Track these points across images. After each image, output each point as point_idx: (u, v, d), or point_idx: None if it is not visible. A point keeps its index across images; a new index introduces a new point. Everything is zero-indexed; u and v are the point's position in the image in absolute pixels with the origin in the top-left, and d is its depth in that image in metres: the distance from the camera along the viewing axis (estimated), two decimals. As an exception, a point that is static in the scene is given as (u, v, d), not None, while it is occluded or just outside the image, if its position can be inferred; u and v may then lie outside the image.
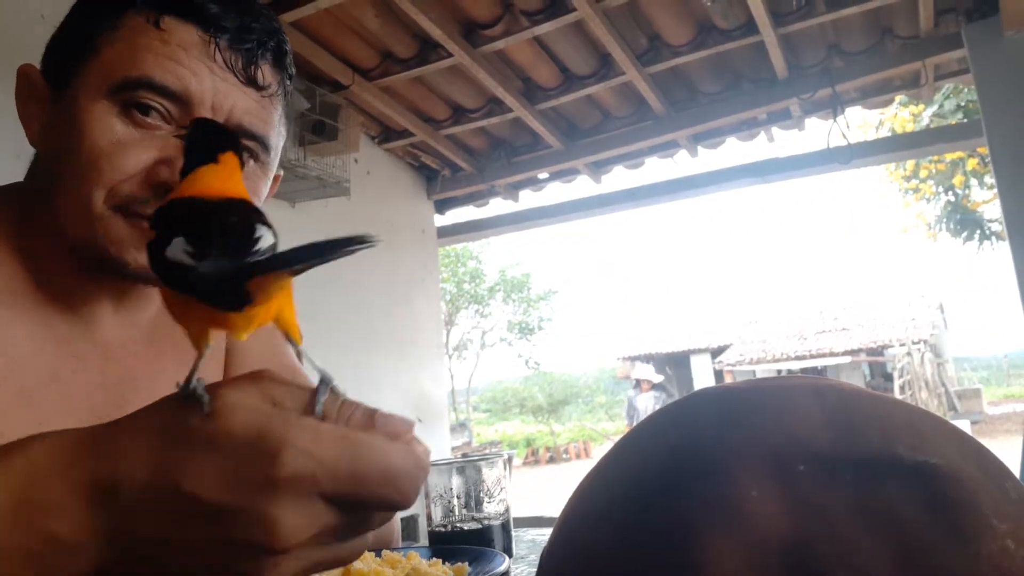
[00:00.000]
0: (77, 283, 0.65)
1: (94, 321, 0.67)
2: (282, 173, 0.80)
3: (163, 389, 0.72)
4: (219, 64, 0.63)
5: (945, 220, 12.21)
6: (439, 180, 4.00)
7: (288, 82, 0.71)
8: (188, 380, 0.38)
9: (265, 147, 0.68)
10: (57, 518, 0.36)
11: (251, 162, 0.68)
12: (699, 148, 3.68)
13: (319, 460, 0.35)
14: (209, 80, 0.62)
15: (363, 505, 0.37)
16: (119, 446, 0.37)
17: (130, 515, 0.36)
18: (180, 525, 0.36)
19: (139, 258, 0.62)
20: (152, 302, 0.73)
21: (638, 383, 9.28)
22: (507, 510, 0.99)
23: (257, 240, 0.41)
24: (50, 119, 0.63)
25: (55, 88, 0.63)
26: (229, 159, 0.48)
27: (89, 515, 0.36)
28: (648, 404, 8.66)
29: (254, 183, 0.68)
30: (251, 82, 0.65)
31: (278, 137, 0.72)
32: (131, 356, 0.71)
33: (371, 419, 0.38)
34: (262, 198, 0.70)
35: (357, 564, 0.65)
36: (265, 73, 0.66)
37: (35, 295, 0.63)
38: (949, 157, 10.96)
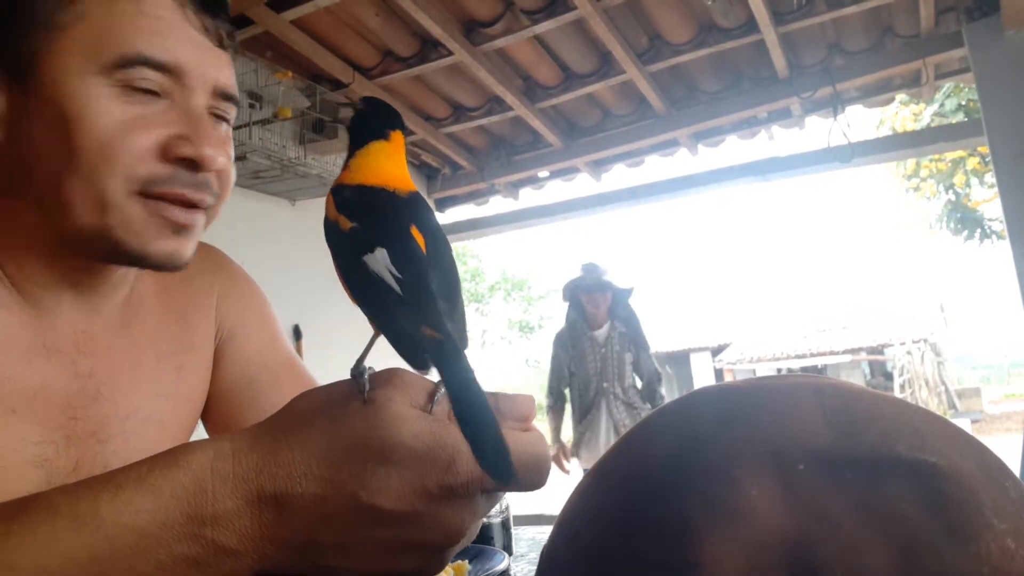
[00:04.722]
0: (45, 280, 0.62)
1: (56, 310, 0.64)
2: None
3: (142, 382, 0.71)
4: (196, 29, 0.60)
5: (946, 219, 12.20)
6: (439, 178, 4.00)
7: (233, 34, 0.69)
8: (359, 368, 0.41)
9: (237, 106, 0.67)
10: (226, 530, 0.38)
11: (224, 125, 0.65)
12: (699, 147, 3.68)
13: None
14: (192, 47, 0.59)
15: (509, 489, 0.42)
16: (285, 460, 0.38)
17: (302, 524, 0.38)
18: (356, 530, 0.38)
19: (160, 246, 0.60)
20: (118, 289, 0.69)
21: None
22: (507, 508, 0.99)
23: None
24: (15, 109, 0.58)
25: (11, 75, 0.58)
26: (397, 137, 0.51)
27: (258, 525, 0.38)
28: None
29: (230, 151, 0.66)
30: (220, 43, 0.63)
31: None
32: (105, 347, 0.68)
33: (499, 409, 0.42)
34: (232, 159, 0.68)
35: None
36: (222, 32, 0.64)
37: None
38: (950, 156, 10.96)
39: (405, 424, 0.38)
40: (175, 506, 0.37)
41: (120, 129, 0.56)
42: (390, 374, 0.41)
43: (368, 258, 0.43)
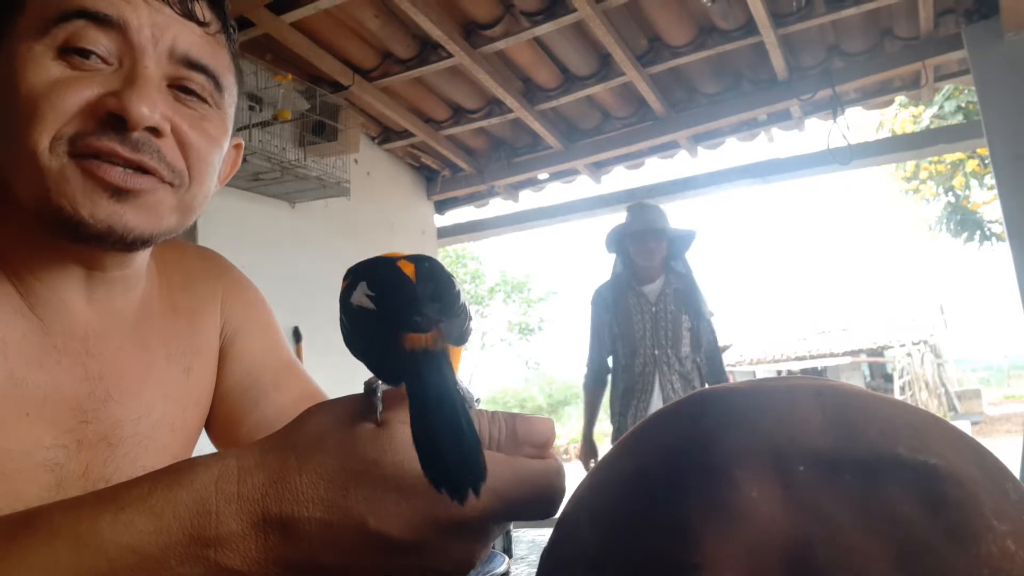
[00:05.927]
0: (44, 271, 0.61)
1: (68, 312, 0.63)
2: (243, 143, 0.75)
3: (152, 384, 0.71)
4: None
5: (945, 221, 12.22)
6: (439, 181, 4.00)
7: (232, 28, 0.65)
8: (372, 385, 0.39)
9: (217, 84, 0.62)
10: (230, 552, 0.37)
11: (203, 105, 0.61)
12: (699, 149, 3.69)
13: (497, 493, 0.37)
14: (145, 10, 0.56)
15: (520, 519, 0.41)
16: (292, 483, 0.37)
17: (307, 548, 0.37)
18: (362, 556, 0.37)
19: (96, 212, 0.54)
20: (129, 289, 0.68)
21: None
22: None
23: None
24: None
25: None
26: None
27: (263, 548, 0.37)
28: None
29: (207, 129, 0.61)
30: (189, 15, 0.59)
31: (232, 85, 0.65)
32: (115, 350, 0.67)
33: (515, 434, 0.41)
34: (223, 148, 0.64)
35: None
36: (203, 10, 0.61)
37: (5, 286, 0.60)
38: (949, 158, 10.97)
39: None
40: (178, 527, 0.37)
41: (50, 87, 0.53)
42: (404, 394, 0.40)
43: (353, 296, 0.42)
